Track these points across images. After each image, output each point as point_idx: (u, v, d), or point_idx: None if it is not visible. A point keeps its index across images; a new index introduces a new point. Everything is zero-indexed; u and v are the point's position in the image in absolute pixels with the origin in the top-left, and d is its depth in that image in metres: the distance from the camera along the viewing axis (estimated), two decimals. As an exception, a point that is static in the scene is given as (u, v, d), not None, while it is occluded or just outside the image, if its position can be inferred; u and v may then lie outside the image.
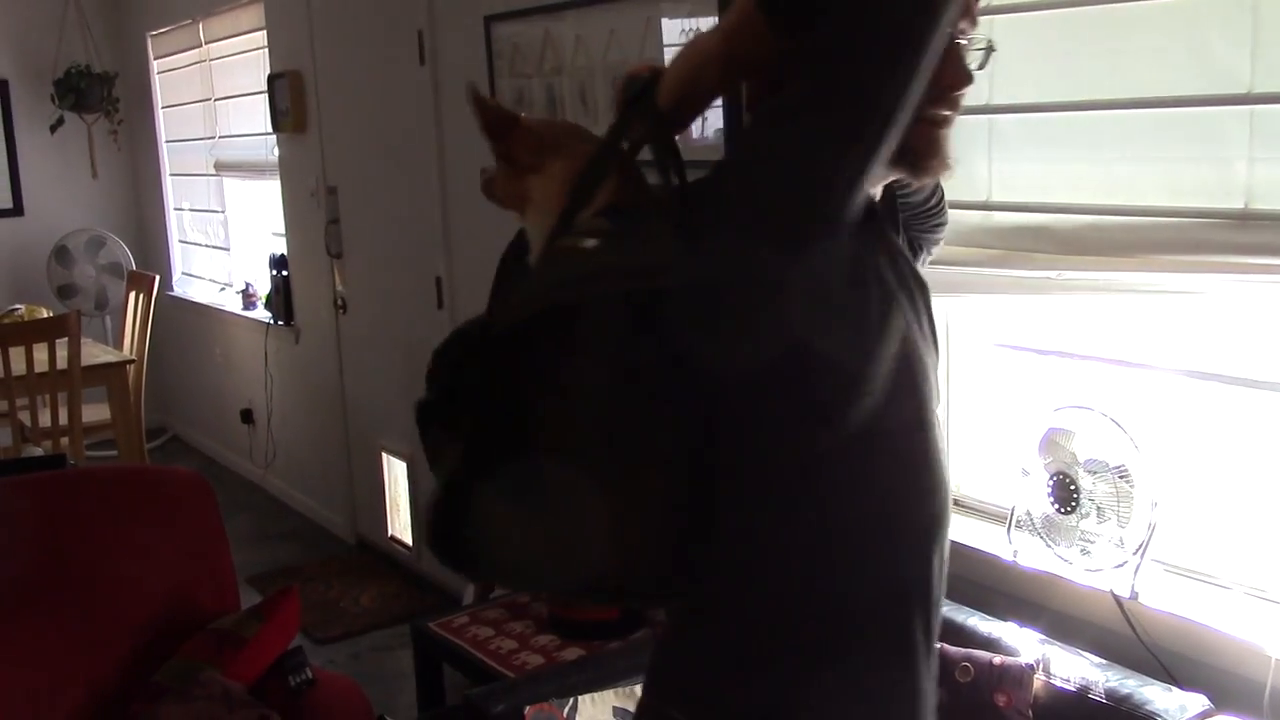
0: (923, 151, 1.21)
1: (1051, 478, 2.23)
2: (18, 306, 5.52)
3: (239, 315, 5.88)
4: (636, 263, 1.09)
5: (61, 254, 6.39)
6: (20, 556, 2.55)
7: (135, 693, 2.51)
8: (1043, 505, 2.25)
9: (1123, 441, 2.13)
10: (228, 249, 6.18)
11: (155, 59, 6.55)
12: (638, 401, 1.09)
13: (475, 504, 1.13)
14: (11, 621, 2.48)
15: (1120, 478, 2.13)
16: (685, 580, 1.16)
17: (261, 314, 5.63)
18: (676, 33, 2.98)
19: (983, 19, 1.25)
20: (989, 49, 1.22)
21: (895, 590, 1.20)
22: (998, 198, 2.32)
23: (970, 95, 1.23)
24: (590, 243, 1.11)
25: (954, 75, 1.19)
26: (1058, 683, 2.08)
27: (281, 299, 5.35)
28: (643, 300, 1.07)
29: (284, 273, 5.32)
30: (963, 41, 1.20)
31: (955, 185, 1.81)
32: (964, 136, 1.76)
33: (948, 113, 1.21)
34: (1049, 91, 2.20)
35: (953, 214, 1.52)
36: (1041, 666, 2.11)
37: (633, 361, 1.08)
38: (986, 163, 2.32)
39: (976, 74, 1.22)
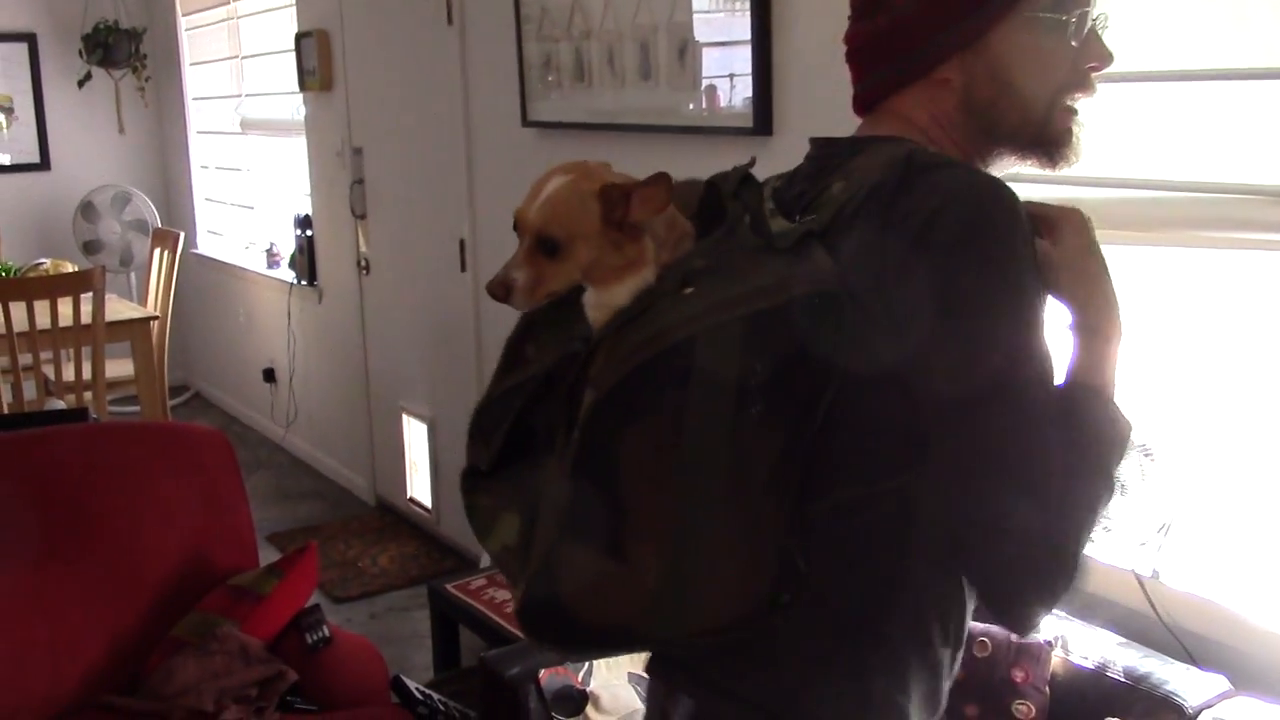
0: (1061, 141, 1.19)
1: (1075, 454, 2.20)
2: (43, 261, 5.54)
3: (262, 274, 5.89)
4: (742, 290, 1.04)
5: (88, 209, 6.41)
6: (41, 509, 2.56)
7: (153, 645, 2.53)
8: (1065, 482, 2.22)
9: (1147, 419, 2.10)
10: (252, 208, 6.18)
11: (183, 15, 6.53)
12: (751, 426, 1.03)
13: (574, 569, 1.07)
14: (32, 574, 2.50)
15: (1144, 456, 2.10)
16: (793, 591, 1.09)
17: (285, 273, 5.63)
18: (706, -3, 2.94)
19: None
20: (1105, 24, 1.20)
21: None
22: (1025, 170, 2.27)
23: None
24: (689, 289, 1.07)
25: (1097, 54, 1.17)
26: (1076, 660, 2.06)
27: (305, 259, 5.35)
28: (752, 321, 1.03)
29: (308, 232, 5.32)
30: (1097, 20, 1.17)
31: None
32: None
33: (1087, 96, 1.19)
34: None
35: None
36: (1060, 643, 2.09)
37: (745, 385, 1.03)
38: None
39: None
